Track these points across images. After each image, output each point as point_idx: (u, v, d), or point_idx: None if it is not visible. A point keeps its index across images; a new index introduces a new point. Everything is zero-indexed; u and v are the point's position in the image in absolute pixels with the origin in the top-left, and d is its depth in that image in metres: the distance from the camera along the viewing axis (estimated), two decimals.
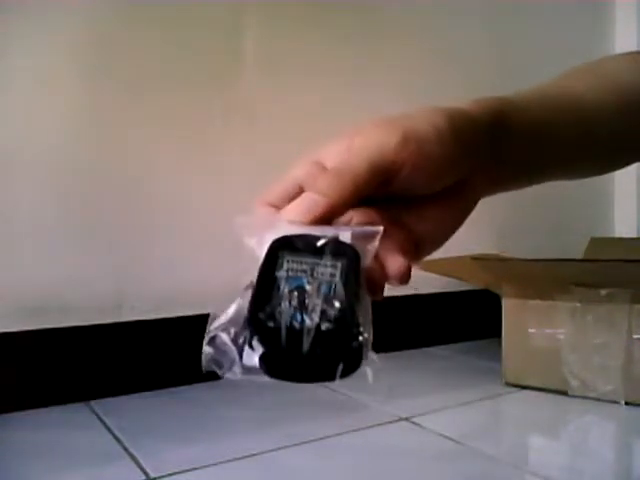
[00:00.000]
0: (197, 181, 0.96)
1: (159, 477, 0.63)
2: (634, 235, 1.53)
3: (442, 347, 1.23)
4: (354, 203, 0.28)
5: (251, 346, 0.24)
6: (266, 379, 0.24)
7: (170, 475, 0.63)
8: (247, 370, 0.24)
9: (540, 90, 0.37)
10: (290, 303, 0.24)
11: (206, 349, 0.25)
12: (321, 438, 0.73)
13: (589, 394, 0.88)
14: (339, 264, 0.25)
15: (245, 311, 0.25)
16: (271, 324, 0.24)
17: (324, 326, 0.24)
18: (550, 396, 0.91)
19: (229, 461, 0.66)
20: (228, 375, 0.25)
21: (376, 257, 0.28)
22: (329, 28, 1.11)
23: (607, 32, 1.61)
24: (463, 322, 1.28)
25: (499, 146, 0.33)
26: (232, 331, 0.25)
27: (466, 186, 0.32)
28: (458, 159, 0.30)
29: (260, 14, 1.03)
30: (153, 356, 0.92)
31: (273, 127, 1.04)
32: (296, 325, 0.24)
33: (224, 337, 0.25)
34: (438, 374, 1.04)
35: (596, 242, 1.25)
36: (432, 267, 0.97)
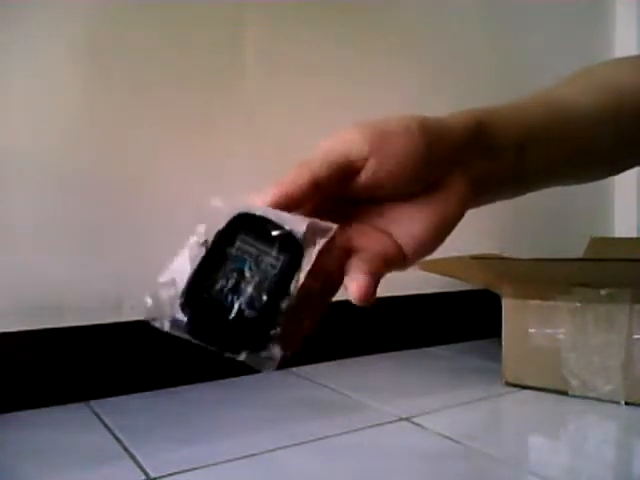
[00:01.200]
0: (197, 181, 0.96)
1: (159, 477, 0.63)
2: (634, 235, 1.53)
3: (442, 347, 1.23)
4: (313, 195, 0.29)
5: (183, 309, 0.27)
6: (187, 337, 0.27)
7: (170, 475, 0.63)
8: (175, 327, 0.27)
9: (531, 99, 0.36)
10: (227, 282, 0.27)
11: (147, 300, 0.28)
12: (321, 438, 0.73)
13: (589, 394, 0.88)
14: (281, 258, 0.28)
15: (188, 272, 0.28)
16: (205, 295, 0.27)
17: (247, 313, 0.27)
18: (550, 396, 0.91)
19: (229, 461, 0.66)
20: (157, 325, 0.28)
21: (341, 269, 0.30)
22: (330, 28, 1.11)
23: (607, 32, 1.61)
24: (463, 322, 1.28)
25: (477, 155, 0.32)
26: (172, 290, 0.28)
27: (445, 192, 0.32)
28: (425, 161, 0.30)
29: (260, 14, 1.03)
30: (153, 356, 0.92)
31: (273, 127, 1.04)
32: (225, 304, 0.27)
33: (163, 294, 0.28)
34: (438, 374, 1.04)
35: (596, 242, 1.25)
36: (432, 267, 0.98)
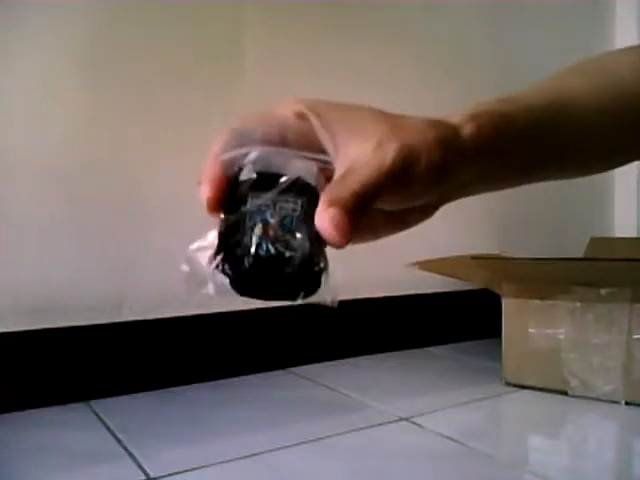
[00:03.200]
0: (197, 180, 0.96)
1: (159, 477, 0.63)
2: (634, 235, 1.53)
3: (442, 347, 1.23)
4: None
5: (223, 269, 0.27)
6: (236, 296, 0.27)
7: (170, 475, 0.63)
8: (219, 289, 0.27)
9: (535, 92, 0.36)
10: (256, 233, 0.27)
11: (184, 267, 0.27)
12: (321, 438, 0.73)
13: (589, 394, 0.88)
14: (299, 201, 0.28)
15: (219, 237, 0.27)
16: (240, 251, 0.27)
17: (287, 254, 0.26)
18: (550, 396, 0.91)
19: (229, 461, 0.66)
20: (203, 291, 0.27)
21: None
22: (330, 27, 1.11)
23: (607, 31, 1.61)
24: (463, 322, 1.28)
25: (487, 159, 0.32)
26: (207, 254, 0.27)
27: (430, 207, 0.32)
28: (437, 190, 0.31)
29: (261, 13, 1.03)
30: (153, 356, 0.92)
31: None
32: (261, 253, 0.26)
33: (200, 258, 0.27)
34: (438, 374, 1.04)
35: (596, 242, 1.25)
36: (432, 267, 0.98)
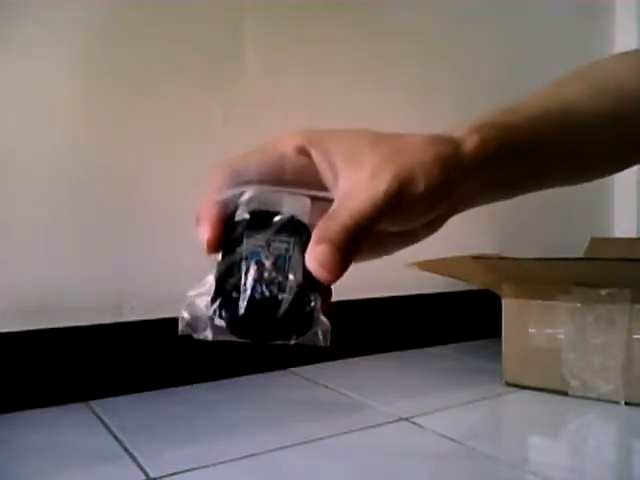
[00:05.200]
0: (197, 181, 0.96)
1: (159, 477, 0.63)
2: (634, 235, 1.53)
3: (442, 347, 1.23)
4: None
5: (220, 314, 0.28)
6: (233, 339, 0.28)
7: (170, 475, 0.63)
8: (217, 333, 0.28)
9: (537, 101, 0.35)
10: (251, 276, 0.28)
11: (183, 314, 0.28)
12: (321, 438, 0.73)
13: (589, 394, 0.88)
14: (292, 240, 0.29)
15: (215, 281, 0.29)
16: (235, 295, 0.28)
17: (280, 296, 0.27)
18: (550, 396, 0.91)
19: (229, 461, 0.66)
20: (200, 337, 0.28)
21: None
22: (330, 27, 1.11)
23: (607, 33, 1.61)
24: (463, 322, 1.28)
25: (491, 170, 0.32)
26: (205, 299, 0.28)
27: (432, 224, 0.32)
28: (441, 207, 0.30)
29: (260, 13, 1.03)
30: (153, 356, 0.92)
31: (273, 127, 1.04)
32: (256, 295, 0.28)
33: (199, 304, 0.28)
34: (438, 374, 1.04)
35: (596, 242, 1.25)
36: (432, 267, 0.98)
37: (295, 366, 1.04)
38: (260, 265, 0.28)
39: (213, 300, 0.28)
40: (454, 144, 0.30)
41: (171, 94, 0.95)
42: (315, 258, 0.27)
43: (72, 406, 0.84)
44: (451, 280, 1.12)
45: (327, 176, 0.30)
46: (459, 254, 0.94)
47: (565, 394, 0.90)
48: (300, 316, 0.27)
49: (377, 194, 0.28)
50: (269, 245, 0.28)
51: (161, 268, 0.93)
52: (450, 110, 1.25)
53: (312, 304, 0.28)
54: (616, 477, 0.68)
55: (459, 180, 0.30)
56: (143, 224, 0.93)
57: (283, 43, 1.06)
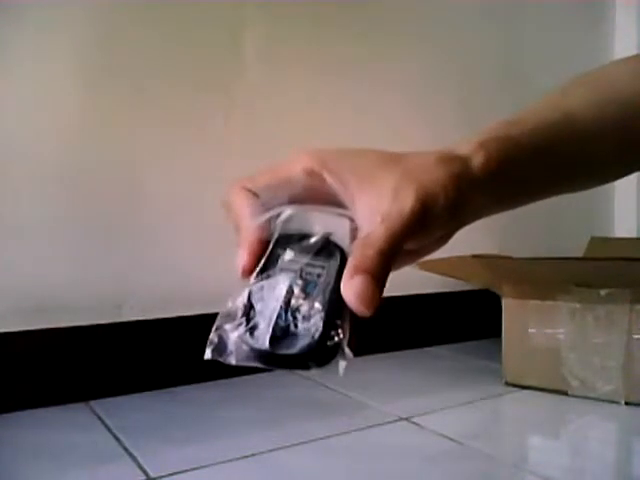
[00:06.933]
0: (197, 181, 0.96)
1: (159, 477, 0.63)
2: (634, 235, 1.53)
3: (442, 347, 1.23)
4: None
5: (245, 341, 0.28)
6: (256, 365, 0.28)
7: (170, 475, 0.63)
8: (240, 359, 0.28)
9: (539, 111, 0.35)
10: (279, 303, 0.28)
11: (213, 337, 0.28)
12: (321, 438, 0.73)
13: (589, 394, 0.88)
14: (326, 265, 0.28)
15: (243, 304, 0.28)
16: (262, 322, 0.28)
17: (305, 325, 0.27)
18: (550, 396, 0.91)
19: (229, 461, 0.66)
20: (226, 361, 0.28)
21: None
22: (331, 27, 1.11)
23: (607, 35, 1.61)
24: (463, 322, 1.28)
25: (498, 184, 0.32)
26: (233, 324, 0.28)
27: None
28: (455, 222, 0.31)
29: (261, 13, 1.03)
30: (153, 356, 0.92)
31: (273, 126, 1.04)
32: (281, 323, 0.27)
33: (226, 327, 0.28)
34: (438, 374, 1.04)
35: (596, 242, 1.25)
36: (432, 267, 0.97)
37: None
38: (289, 291, 0.28)
39: (239, 325, 0.28)
40: (463, 162, 0.31)
41: (171, 94, 0.95)
42: (353, 292, 0.26)
43: (72, 406, 0.84)
44: (451, 280, 1.12)
45: (342, 197, 0.30)
46: (459, 254, 0.94)
47: (565, 394, 0.90)
48: (321, 350, 0.27)
49: (404, 213, 0.28)
50: (302, 270, 0.28)
51: (161, 268, 0.93)
52: (450, 110, 1.26)
53: (336, 338, 0.27)
54: (616, 477, 0.68)
55: (471, 196, 0.30)
56: (143, 224, 0.93)
57: (283, 43, 1.06)
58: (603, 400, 0.87)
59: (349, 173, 0.30)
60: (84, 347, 0.87)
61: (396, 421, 0.80)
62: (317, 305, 0.27)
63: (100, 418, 0.80)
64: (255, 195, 0.31)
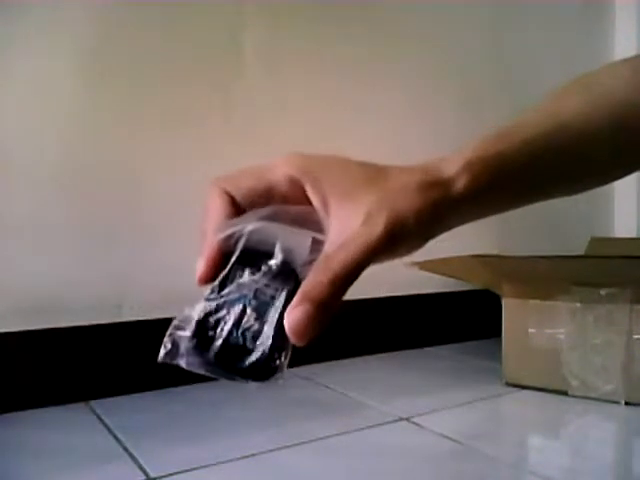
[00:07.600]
0: (197, 180, 0.96)
1: (159, 477, 0.63)
2: (634, 235, 1.53)
3: (442, 347, 1.23)
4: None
5: (195, 351, 0.29)
6: (202, 373, 0.29)
7: (170, 475, 0.63)
8: (189, 365, 0.29)
9: (531, 120, 0.35)
10: (231, 319, 0.29)
11: (166, 343, 0.30)
12: (321, 438, 0.73)
13: (589, 394, 0.88)
14: (280, 288, 0.30)
15: (195, 317, 0.30)
16: (212, 333, 0.29)
17: (251, 346, 0.29)
18: (550, 396, 0.91)
19: (229, 461, 0.66)
20: (174, 363, 0.30)
21: None
22: (331, 27, 1.11)
23: (607, 35, 1.61)
24: (463, 322, 1.28)
25: (482, 200, 0.33)
26: (185, 333, 0.30)
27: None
28: (430, 235, 0.31)
29: (261, 13, 1.03)
30: (153, 356, 0.91)
31: (273, 126, 1.04)
32: (231, 340, 0.29)
33: (179, 335, 0.30)
34: (438, 374, 1.04)
35: (596, 242, 1.25)
36: (432, 267, 0.98)
37: (295, 366, 1.04)
38: (242, 310, 0.29)
39: (192, 336, 0.29)
40: (445, 187, 0.31)
41: (171, 94, 0.95)
42: (290, 321, 0.27)
43: (72, 406, 0.84)
44: (451, 280, 1.12)
45: (318, 209, 0.31)
46: (459, 254, 0.94)
47: (565, 394, 0.90)
48: (264, 369, 0.29)
49: (371, 239, 0.28)
50: (256, 290, 0.29)
51: (160, 268, 0.93)
52: (450, 110, 1.26)
53: (278, 361, 0.29)
54: (616, 477, 0.68)
55: (447, 217, 0.31)
56: (143, 224, 0.93)
57: (283, 43, 1.06)
58: (603, 400, 0.87)
59: (329, 186, 0.30)
60: (84, 347, 0.87)
61: (396, 421, 0.80)
62: (266, 328, 0.29)
63: (100, 418, 0.80)
64: (234, 201, 0.32)
